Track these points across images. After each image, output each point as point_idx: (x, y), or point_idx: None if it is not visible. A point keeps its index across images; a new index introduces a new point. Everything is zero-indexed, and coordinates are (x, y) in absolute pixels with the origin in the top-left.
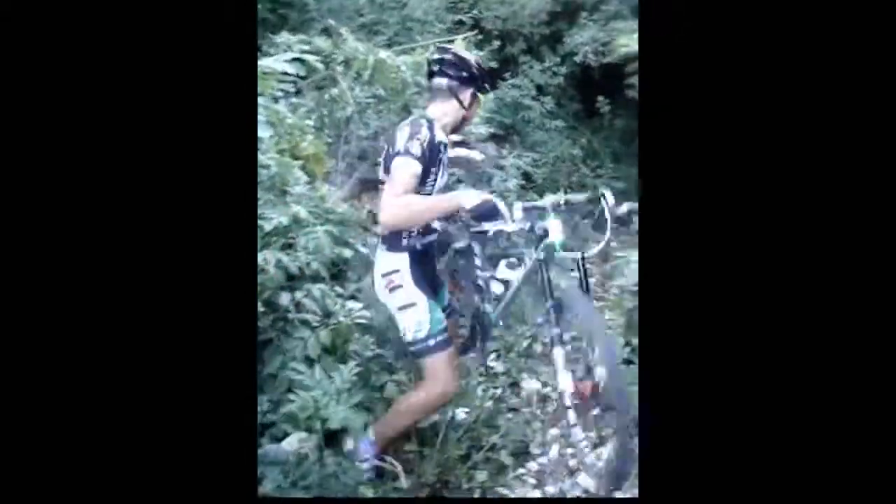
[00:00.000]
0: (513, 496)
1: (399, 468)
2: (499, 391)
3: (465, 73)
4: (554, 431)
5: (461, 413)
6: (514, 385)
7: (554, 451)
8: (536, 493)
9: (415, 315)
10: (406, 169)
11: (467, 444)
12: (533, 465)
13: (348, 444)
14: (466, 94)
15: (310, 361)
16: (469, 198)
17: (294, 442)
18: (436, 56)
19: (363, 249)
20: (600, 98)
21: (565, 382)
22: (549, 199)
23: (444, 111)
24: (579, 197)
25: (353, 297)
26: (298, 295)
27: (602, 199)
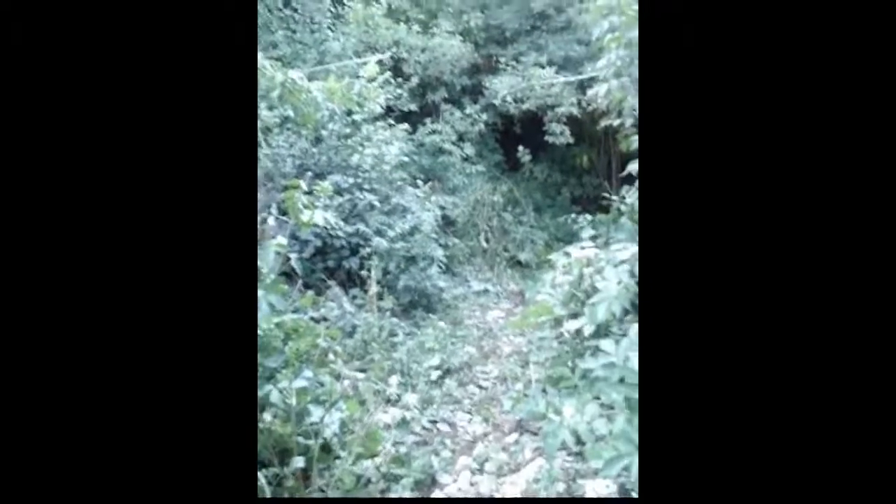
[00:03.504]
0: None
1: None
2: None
3: None
4: (465, 460)
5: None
6: (423, 414)
7: (464, 479)
8: None
9: None
10: None
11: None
12: (439, 496)
13: None
14: None
15: None
16: None
17: None
18: None
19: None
20: (521, 148)
21: None
22: None
23: None
24: None
25: None
26: None
27: None
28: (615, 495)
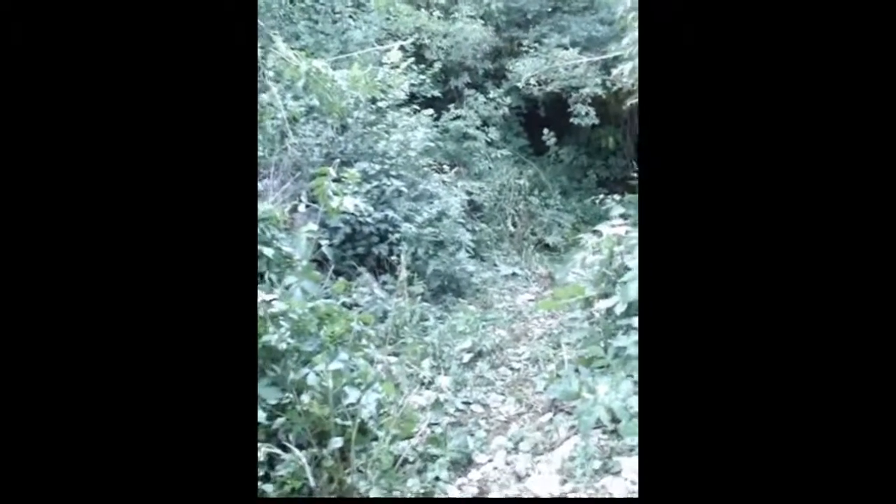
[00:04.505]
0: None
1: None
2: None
3: None
4: (500, 440)
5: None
6: (457, 396)
7: (500, 458)
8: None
9: None
10: None
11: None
12: (475, 475)
13: None
14: None
15: None
16: None
17: None
18: None
19: (287, 248)
20: (546, 131)
21: None
22: None
23: None
24: None
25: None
26: None
27: None
28: None
